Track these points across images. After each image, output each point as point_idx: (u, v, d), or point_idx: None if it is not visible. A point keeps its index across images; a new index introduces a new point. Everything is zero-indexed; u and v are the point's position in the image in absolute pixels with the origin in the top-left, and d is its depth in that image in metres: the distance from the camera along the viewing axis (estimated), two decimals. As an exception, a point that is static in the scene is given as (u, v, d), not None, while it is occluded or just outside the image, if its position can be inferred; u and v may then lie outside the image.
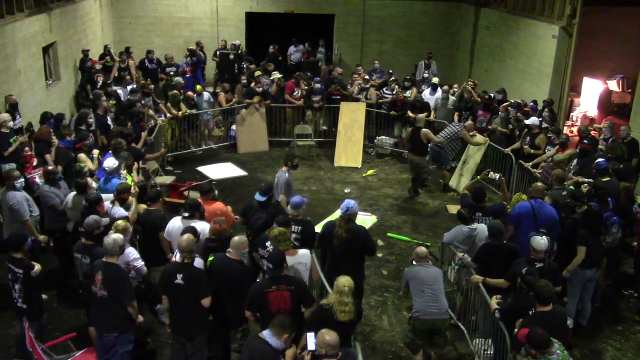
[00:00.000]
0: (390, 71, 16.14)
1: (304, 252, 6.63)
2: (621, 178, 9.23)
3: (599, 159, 9.46)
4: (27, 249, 6.48)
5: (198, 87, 14.63)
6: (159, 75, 16.44)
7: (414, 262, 6.86)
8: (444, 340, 6.94)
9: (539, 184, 8.42)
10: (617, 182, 9.02)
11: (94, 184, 8.25)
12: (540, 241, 6.60)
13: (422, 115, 12.35)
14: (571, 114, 15.31)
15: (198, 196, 8.13)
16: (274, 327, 5.10)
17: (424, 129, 11.75)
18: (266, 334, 5.11)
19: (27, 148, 9.40)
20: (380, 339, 7.66)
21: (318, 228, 8.08)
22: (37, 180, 8.83)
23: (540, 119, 12.00)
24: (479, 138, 12.20)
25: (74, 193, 7.92)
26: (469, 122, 12.51)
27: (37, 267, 6.45)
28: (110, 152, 9.18)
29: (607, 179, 8.93)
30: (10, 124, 9.73)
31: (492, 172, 9.71)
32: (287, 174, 8.80)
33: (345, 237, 6.96)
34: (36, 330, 6.49)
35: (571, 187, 9.01)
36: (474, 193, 8.37)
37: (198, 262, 6.27)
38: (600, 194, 8.17)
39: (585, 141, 10.87)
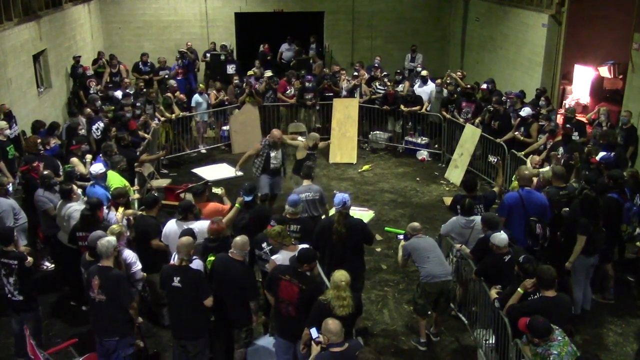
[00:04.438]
0: (376, 65, 16.05)
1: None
2: (614, 166, 8.97)
3: (603, 153, 9.12)
4: (16, 240, 6.61)
5: (201, 85, 14.68)
6: (152, 79, 16.39)
7: (405, 238, 7.28)
8: (447, 303, 7.34)
9: (526, 171, 8.12)
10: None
11: (79, 191, 8.13)
12: (501, 237, 6.69)
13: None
14: (564, 102, 15.32)
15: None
16: None
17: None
18: None
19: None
20: (382, 333, 7.67)
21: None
22: None
23: (538, 108, 11.93)
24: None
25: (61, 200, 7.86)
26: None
27: (30, 257, 6.54)
28: (100, 156, 9.13)
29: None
30: (8, 132, 9.68)
31: (490, 156, 10.09)
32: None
33: (344, 232, 7.01)
34: (34, 326, 6.56)
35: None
36: (465, 182, 8.47)
37: (197, 264, 6.26)
38: (619, 184, 8.01)
39: (568, 125, 10.75)
